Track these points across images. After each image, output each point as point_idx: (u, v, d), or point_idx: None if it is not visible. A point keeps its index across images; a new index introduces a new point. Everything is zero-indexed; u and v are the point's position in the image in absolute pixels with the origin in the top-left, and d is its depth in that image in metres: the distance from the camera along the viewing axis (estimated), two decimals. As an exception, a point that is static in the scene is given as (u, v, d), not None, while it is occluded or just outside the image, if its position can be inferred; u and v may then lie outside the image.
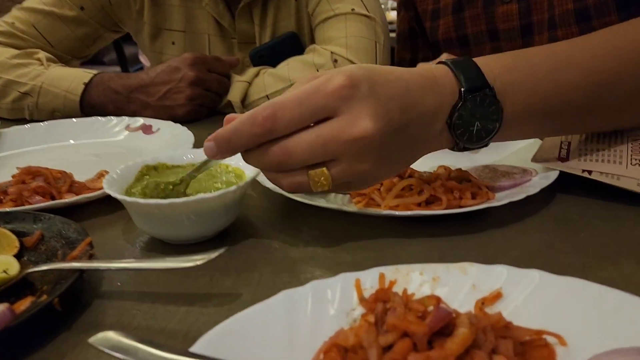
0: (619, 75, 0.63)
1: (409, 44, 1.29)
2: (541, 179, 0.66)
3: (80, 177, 0.78)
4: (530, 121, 0.62)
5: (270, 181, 0.56)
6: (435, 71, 0.57)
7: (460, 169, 0.67)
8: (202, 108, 1.11)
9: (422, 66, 0.58)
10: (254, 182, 0.67)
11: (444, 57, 0.75)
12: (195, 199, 0.58)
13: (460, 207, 0.61)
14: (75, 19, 1.24)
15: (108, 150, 0.95)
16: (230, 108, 1.13)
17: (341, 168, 0.52)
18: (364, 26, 1.12)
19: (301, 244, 0.61)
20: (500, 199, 0.62)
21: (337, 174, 0.53)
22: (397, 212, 0.60)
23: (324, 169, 0.52)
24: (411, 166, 0.68)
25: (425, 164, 0.74)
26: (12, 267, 0.52)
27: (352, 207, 0.64)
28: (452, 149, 0.60)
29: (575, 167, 0.65)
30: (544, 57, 0.62)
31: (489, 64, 0.59)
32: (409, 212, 0.60)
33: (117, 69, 3.49)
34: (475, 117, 0.57)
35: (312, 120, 0.51)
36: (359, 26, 1.12)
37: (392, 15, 1.42)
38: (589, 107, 0.64)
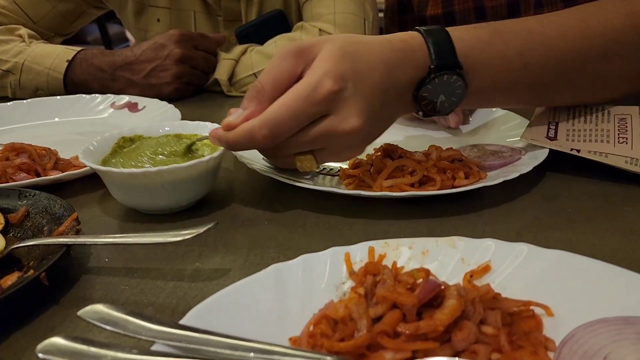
0: (587, 57, 0.64)
1: (397, 19, 1.28)
2: (531, 157, 0.66)
3: (65, 154, 0.76)
4: (496, 95, 0.65)
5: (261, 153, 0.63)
6: (411, 42, 0.59)
7: (451, 148, 0.67)
8: (189, 86, 1.10)
9: (398, 36, 0.61)
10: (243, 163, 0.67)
11: None
12: (168, 168, 0.58)
13: (454, 187, 0.61)
14: (57, -6, 1.21)
15: (93, 128, 0.94)
16: (217, 86, 1.12)
17: (327, 154, 0.59)
18: (352, 3, 1.11)
19: (289, 221, 0.61)
20: (492, 177, 0.62)
21: (322, 159, 0.60)
22: (392, 194, 0.60)
23: (311, 156, 0.58)
24: (405, 146, 0.69)
25: (415, 144, 0.74)
26: (-3, 243, 0.51)
27: (343, 189, 0.64)
28: (417, 113, 0.64)
29: (564, 145, 0.66)
30: (518, 35, 0.63)
31: (464, 37, 0.61)
32: (404, 194, 0.59)
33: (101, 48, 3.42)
34: (441, 91, 0.60)
35: (305, 124, 0.56)
36: (348, 2, 1.10)
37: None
38: (555, 86, 0.66)
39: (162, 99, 0.98)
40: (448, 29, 0.61)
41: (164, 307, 0.47)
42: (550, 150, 0.66)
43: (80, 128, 0.95)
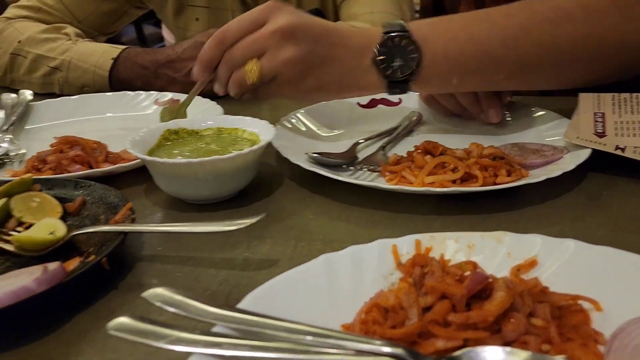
0: (530, 29, 0.69)
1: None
2: (573, 156, 0.66)
3: (109, 149, 0.79)
4: (451, 68, 0.71)
5: (230, 93, 0.74)
6: (370, 27, 0.74)
7: (492, 146, 0.68)
8: (228, 84, 1.12)
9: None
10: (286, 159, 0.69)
11: None
12: (211, 159, 0.62)
13: (495, 184, 0.62)
14: (101, -6, 1.25)
15: (136, 124, 0.97)
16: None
17: (268, 57, 0.68)
18: (389, 3, 1.12)
19: (334, 215, 0.62)
20: (534, 176, 0.62)
21: (265, 64, 0.69)
22: (435, 189, 0.60)
23: (255, 59, 0.69)
24: (443, 144, 0.69)
25: (453, 142, 0.74)
26: (59, 229, 0.54)
27: (384, 184, 0.65)
28: (384, 90, 0.72)
29: (609, 143, 0.65)
30: (463, 16, 0.73)
31: (413, 21, 0.72)
32: (447, 189, 0.60)
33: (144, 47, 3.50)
34: (396, 54, 0.69)
35: (250, 30, 0.69)
36: (385, 2, 1.11)
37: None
38: (506, 60, 0.70)
39: (202, 96, 1.00)
40: None
41: (217, 294, 0.49)
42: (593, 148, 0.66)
43: (125, 124, 0.98)
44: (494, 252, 0.48)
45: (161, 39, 4.20)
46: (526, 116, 0.85)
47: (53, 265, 0.45)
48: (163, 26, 2.90)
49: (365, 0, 1.12)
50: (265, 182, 0.71)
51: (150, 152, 0.68)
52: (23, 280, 0.42)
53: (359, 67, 0.70)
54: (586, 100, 0.73)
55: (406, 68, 0.69)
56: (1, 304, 0.40)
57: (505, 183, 0.62)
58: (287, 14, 0.68)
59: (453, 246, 0.48)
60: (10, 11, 1.22)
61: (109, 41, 1.33)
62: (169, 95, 1.02)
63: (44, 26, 1.18)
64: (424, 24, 0.71)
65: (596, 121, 0.68)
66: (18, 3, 1.24)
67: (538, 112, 0.84)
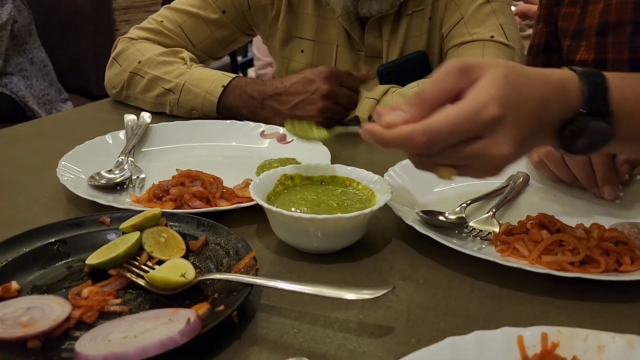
0: None
1: (541, 58, 1.26)
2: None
3: (217, 175, 0.82)
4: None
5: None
6: (568, 83, 0.60)
7: (615, 229, 0.65)
8: (330, 121, 1.14)
9: (555, 73, 0.61)
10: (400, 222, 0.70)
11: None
12: (333, 217, 0.63)
13: (618, 271, 0.60)
14: (216, 21, 1.31)
15: (242, 153, 1.01)
16: (356, 122, 1.16)
17: (470, 172, 0.61)
18: (502, 54, 1.10)
19: (444, 284, 0.62)
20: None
21: (463, 174, 0.61)
22: (554, 272, 0.59)
23: (453, 169, 0.60)
24: (551, 213, 0.68)
25: (564, 213, 0.72)
26: (189, 272, 0.57)
27: (495, 255, 0.64)
28: (555, 148, 0.63)
29: None
30: None
31: (620, 86, 0.60)
32: (567, 274, 0.59)
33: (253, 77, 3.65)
34: (585, 135, 0.59)
35: (459, 141, 0.57)
36: (497, 54, 1.10)
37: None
38: None
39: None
40: (605, 73, 0.61)
41: (336, 359, 0.50)
42: None
43: (230, 152, 1.02)
44: (625, 357, 0.46)
45: (245, 50, 4.34)
46: (641, 191, 0.82)
47: (193, 317, 0.48)
48: (253, 42, 2.99)
49: (476, 50, 1.11)
50: (372, 234, 0.72)
51: (269, 197, 0.71)
52: (168, 331, 0.45)
53: (543, 136, 0.61)
54: None
55: (589, 148, 0.60)
56: (150, 353, 0.43)
57: (631, 273, 0.59)
58: (509, 139, 0.56)
59: (581, 345, 0.47)
60: (133, 32, 1.31)
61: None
62: (277, 129, 1.06)
63: (162, 49, 1.25)
64: (633, 99, 0.60)
65: None
66: (140, 25, 1.32)
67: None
